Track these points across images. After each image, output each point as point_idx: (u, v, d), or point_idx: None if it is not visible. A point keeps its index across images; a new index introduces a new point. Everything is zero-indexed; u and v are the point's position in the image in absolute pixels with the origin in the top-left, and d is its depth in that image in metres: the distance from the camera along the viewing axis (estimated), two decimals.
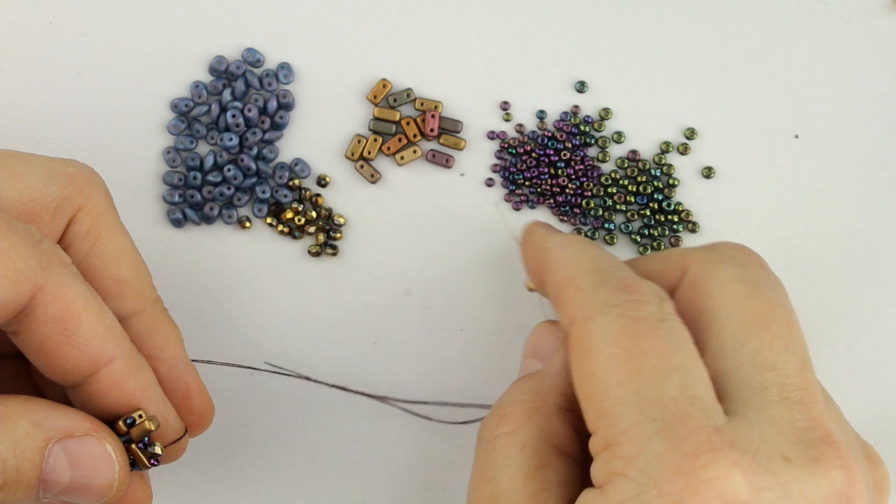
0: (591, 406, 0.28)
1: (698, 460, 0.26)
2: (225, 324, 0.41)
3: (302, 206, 0.41)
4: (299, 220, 0.41)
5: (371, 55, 0.42)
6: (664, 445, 0.26)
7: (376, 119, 0.41)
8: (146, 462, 0.31)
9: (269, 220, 0.41)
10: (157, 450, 0.31)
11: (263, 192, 0.41)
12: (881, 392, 0.42)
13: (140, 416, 0.30)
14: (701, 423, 0.27)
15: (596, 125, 0.42)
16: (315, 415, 0.41)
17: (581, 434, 0.32)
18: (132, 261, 0.33)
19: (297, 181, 0.41)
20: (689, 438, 0.27)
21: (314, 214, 0.41)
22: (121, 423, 0.30)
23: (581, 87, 0.42)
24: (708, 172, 0.42)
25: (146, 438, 0.31)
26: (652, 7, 0.42)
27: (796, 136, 0.42)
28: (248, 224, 0.41)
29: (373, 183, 0.41)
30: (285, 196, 0.41)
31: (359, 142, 0.41)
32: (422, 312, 0.41)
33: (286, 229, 0.41)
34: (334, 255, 0.41)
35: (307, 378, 0.39)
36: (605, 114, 0.42)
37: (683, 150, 0.42)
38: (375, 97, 0.41)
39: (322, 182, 0.41)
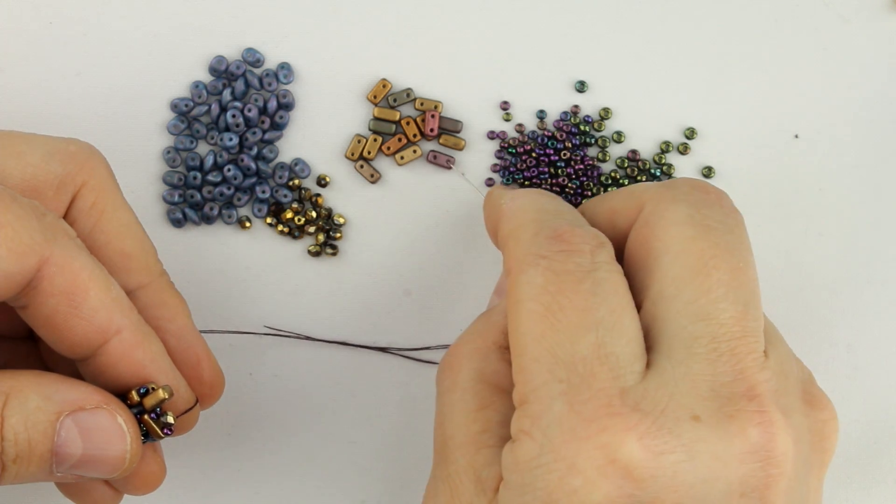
0: (514, 360, 0.28)
1: (593, 425, 0.26)
2: (224, 324, 0.41)
3: (302, 206, 0.41)
4: (299, 220, 0.41)
5: (371, 55, 0.42)
6: (564, 408, 0.26)
7: (376, 119, 0.41)
8: (159, 432, 0.30)
9: (269, 220, 0.41)
10: (170, 419, 0.31)
11: (263, 192, 0.41)
12: (881, 392, 0.42)
13: (153, 388, 0.30)
14: (605, 385, 0.27)
15: (596, 125, 0.42)
16: (315, 414, 0.41)
17: None
18: (136, 235, 0.34)
19: (297, 181, 0.41)
20: (590, 402, 0.26)
21: (314, 214, 0.41)
22: (133, 393, 0.30)
23: (581, 87, 0.42)
24: (708, 172, 0.42)
25: (158, 409, 0.30)
26: (652, 7, 0.42)
27: (796, 136, 0.42)
28: (248, 224, 0.41)
29: (373, 183, 0.41)
30: (285, 196, 0.41)
31: (359, 142, 0.41)
32: (422, 312, 0.41)
33: (286, 229, 0.41)
34: (334, 255, 0.41)
35: (308, 337, 0.39)
36: (605, 114, 0.42)
37: (683, 150, 0.42)
38: (375, 97, 0.41)
39: (322, 182, 0.41)
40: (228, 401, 0.41)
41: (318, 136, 0.42)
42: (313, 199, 0.41)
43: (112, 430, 0.29)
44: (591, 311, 0.28)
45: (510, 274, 0.30)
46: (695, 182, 0.32)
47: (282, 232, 0.41)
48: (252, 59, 0.41)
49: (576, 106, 0.42)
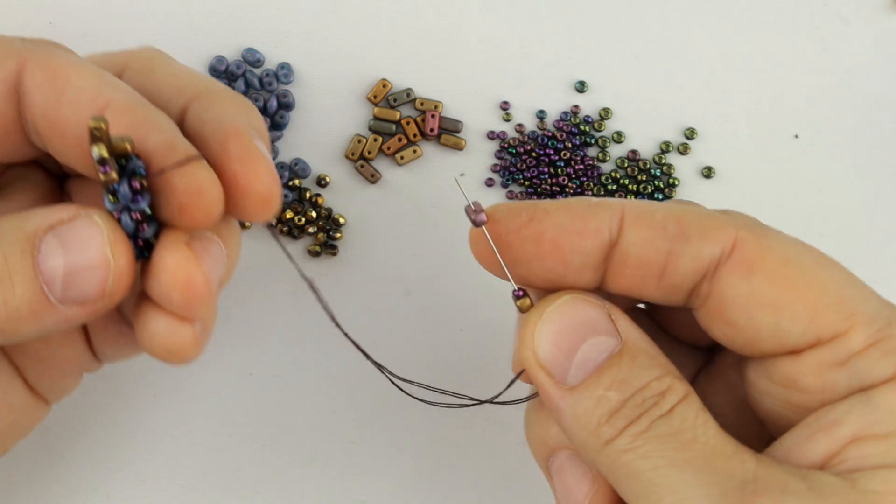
0: (830, 312, 0.27)
1: None
2: (225, 324, 0.41)
3: (302, 206, 0.41)
4: (299, 220, 0.41)
5: (371, 55, 0.42)
6: None
7: (376, 119, 0.41)
8: (142, 182, 0.27)
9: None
10: (139, 162, 0.28)
11: None
12: None
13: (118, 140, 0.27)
14: None
15: (596, 125, 0.42)
16: (315, 414, 0.41)
17: None
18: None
19: (297, 181, 0.41)
20: None
21: (314, 214, 0.41)
22: (94, 150, 0.27)
23: (581, 87, 0.42)
24: (708, 172, 0.42)
25: (140, 168, 0.28)
26: (652, 7, 0.42)
27: (796, 136, 0.42)
28: (248, 224, 0.41)
29: (373, 183, 0.41)
30: (285, 196, 0.41)
31: (359, 142, 0.41)
32: (422, 312, 0.41)
33: (286, 229, 0.41)
34: (334, 255, 0.41)
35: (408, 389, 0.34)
36: (605, 114, 0.42)
37: (683, 150, 0.42)
38: (375, 97, 0.41)
39: (322, 182, 0.41)
40: (228, 401, 0.41)
41: (318, 136, 0.42)
42: (313, 199, 0.41)
43: (89, 230, 0.28)
44: None
45: (747, 242, 0.28)
46: None
47: (282, 232, 0.41)
48: (252, 59, 0.41)
49: (576, 106, 0.42)
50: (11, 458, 0.40)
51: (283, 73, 0.41)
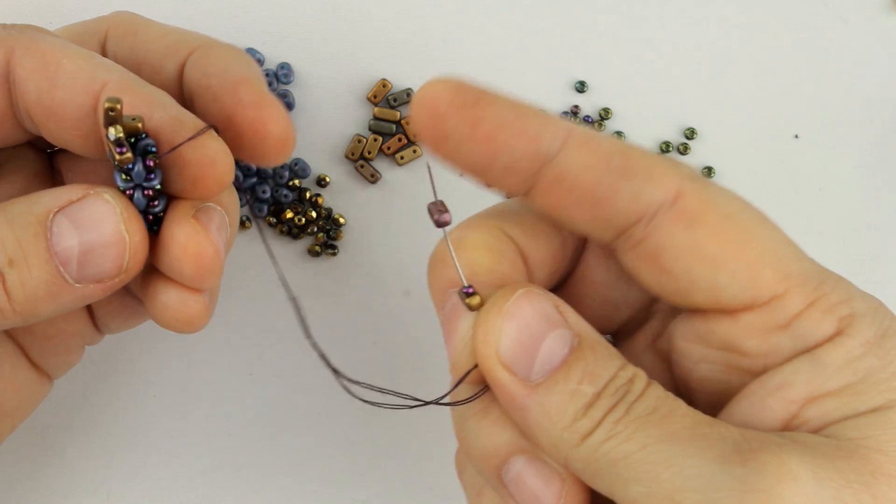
0: (768, 272, 0.27)
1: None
2: (225, 324, 0.41)
3: (302, 205, 0.41)
4: (299, 220, 0.41)
5: (371, 55, 0.42)
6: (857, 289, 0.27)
7: (376, 119, 0.41)
8: (155, 158, 0.28)
9: (269, 220, 0.41)
10: (149, 140, 0.28)
11: (263, 192, 0.41)
12: None
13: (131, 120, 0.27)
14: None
15: (596, 125, 0.42)
16: (315, 415, 0.41)
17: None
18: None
19: (297, 181, 0.41)
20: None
21: (314, 214, 0.41)
22: (110, 130, 0.27)
23: (581, 87, 0.42)
24: (708, 172, 0.42)
25: (149, 147, 0.28)
26: (652, 7, 0.42)
27: (796, 136, 0.42)
28: (248, 224, 0.41)
29: (373, 183, 0.41)
30: (285, 196, 0.41)
31: (359, 142, 0.41)
32: (422, 312, 0.41)
33: (286, 229, 0.41)
34: (334, 255, 0.41)
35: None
36: (605, 114, 0.42)
37: (683, 150, 0.42)
38: (375, 97, 0.41)
39: (322, 182, 0.41)
40: (228, 401, 0.41)
41: (318, 136, 0.42)
42: (313, 199, 0.41)
43: (101, 209, 0.28)
44: None
45: (688, 194, 0.28)
46: None
47: (282, 232, 0.41)
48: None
49: (576, 106, 0.42)
50: (11, 457, 0.40)
51: (283, 73, 0.41)
